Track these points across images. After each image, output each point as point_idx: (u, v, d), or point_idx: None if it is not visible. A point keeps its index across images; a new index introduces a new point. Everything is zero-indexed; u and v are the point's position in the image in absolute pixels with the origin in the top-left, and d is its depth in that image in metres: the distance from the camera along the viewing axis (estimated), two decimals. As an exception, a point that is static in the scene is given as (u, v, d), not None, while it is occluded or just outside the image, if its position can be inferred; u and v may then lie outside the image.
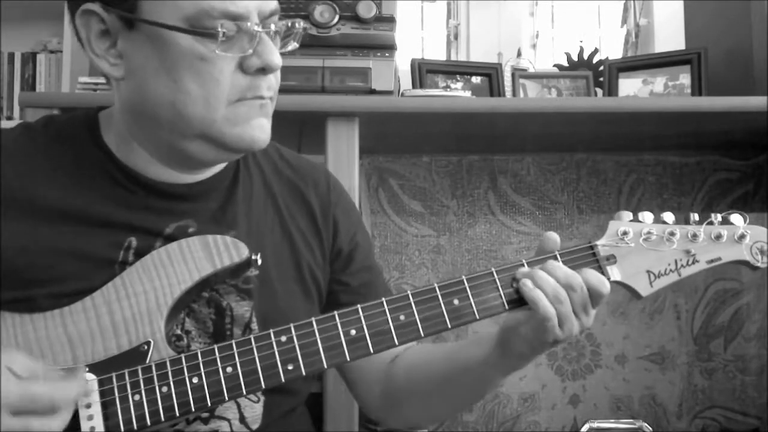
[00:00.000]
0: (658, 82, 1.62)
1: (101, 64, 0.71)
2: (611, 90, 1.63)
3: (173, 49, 0.67)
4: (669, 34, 1.95)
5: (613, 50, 2.11)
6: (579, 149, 1.77)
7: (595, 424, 1.58)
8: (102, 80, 1.37)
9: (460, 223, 1.77)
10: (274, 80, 0.73)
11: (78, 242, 0.70)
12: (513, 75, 1.69)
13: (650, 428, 1.56)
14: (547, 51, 2.18)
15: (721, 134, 1.59)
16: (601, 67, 1.71)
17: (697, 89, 1.55)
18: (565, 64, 1.83)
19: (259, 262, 0.76)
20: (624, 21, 2.04)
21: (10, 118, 1.91)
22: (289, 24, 0.74)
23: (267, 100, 0.72)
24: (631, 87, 1.63)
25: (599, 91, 1.70)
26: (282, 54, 0.73)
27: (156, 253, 0.71)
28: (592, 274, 0.71)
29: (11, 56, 1.93)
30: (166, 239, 0.73)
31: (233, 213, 0.78)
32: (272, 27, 0.71)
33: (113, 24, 0.69)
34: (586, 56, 1.81)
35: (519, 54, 1.91)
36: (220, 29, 0.66)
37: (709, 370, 1.75)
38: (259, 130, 0.72)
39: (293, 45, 0.76)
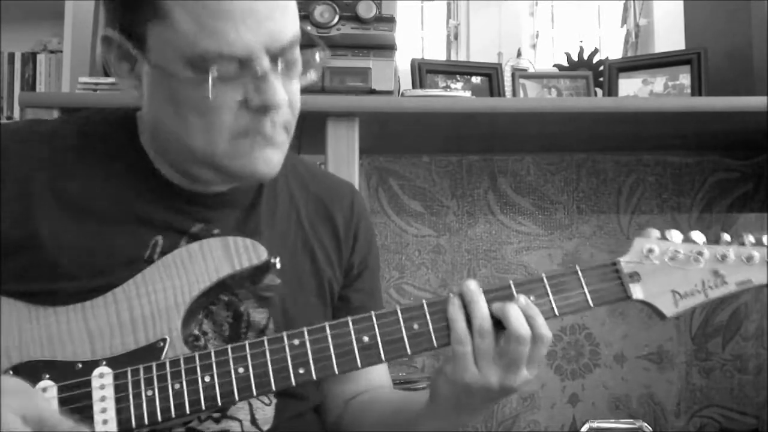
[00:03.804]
0: (658, 82, 1.62)
1: (124, 84, 0.73)
2: (611, 90, 1.63)
3: (176, 87, 0.68)
4: (669, 34, 1.94)
5: (613, 50, 2.11)
6: (579, 149, 1.77)
7: (595, 424, 1.58)
8: (102, 80, 1.36)
9: (460, 223, 1.77)
10: (286, 113, 0.71)
11: (109, 238, 0.72)
12: (513, 75, 1.69)
13: (650, 428, 1.56)
14: (547, 51, 2.18)
15: (721, 134, 1.59)
16: (601, 67, 1.71)
17: (697, 89, 1.55)
18: (565, 64, 1.82)
19: (278, 266, 0.77)
20: (624, 21, 2.04)
21: (10, 118, 1.90)
22: (309, 55, 0.73)
23: (275, 133, 0.71)
24: (631, 87, 1.63)
25: (599, 91, 1.70)
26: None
27: (177, 252, 0.72)
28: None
29: (11, 56, 1.93)
30: (191, 237, 0.74)
31: (256, 223, 0.79)
32: (280, 63, 0.68)
33: (129, 52, 0.70)
34: (586, 56, 1.81)
35: (519, 54, 1.91)
36: (210, 74, 0.65)
37: (707, 370, 1.76)
38: (263, 164, 0.71)
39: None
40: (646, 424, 1.57)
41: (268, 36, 0.66)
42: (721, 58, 1.60)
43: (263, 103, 0.68)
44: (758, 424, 1.74)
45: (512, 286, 0.71)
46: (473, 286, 0.69)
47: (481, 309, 0.68)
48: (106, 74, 1.40)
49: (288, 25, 0.69)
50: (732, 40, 1.59)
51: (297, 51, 0.71)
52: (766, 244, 0.72)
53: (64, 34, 1.79)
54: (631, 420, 1.62)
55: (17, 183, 0.71)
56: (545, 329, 0.68)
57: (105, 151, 0.76)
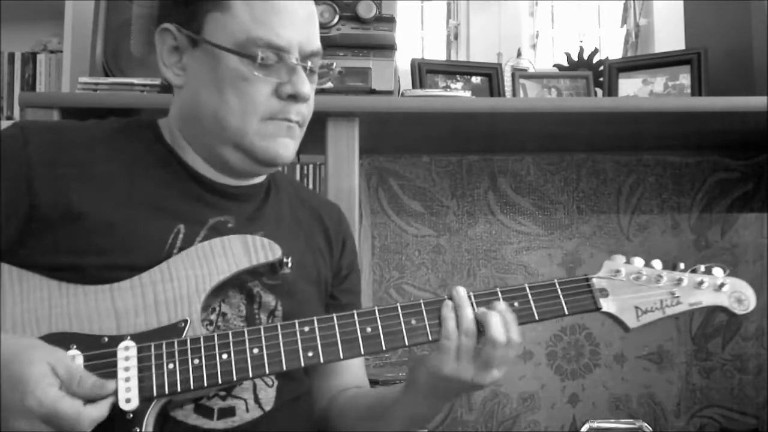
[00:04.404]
0: (658, 82, 1.62)
1: (167, 74, 0.85)
2: (611, 90, 1.63)
3: (222, 67, 0.80)
4: (669, 34, 1.94)
5: (613, 50, 2.11)
6: (579, 149, 1.77)
7: (595, 424, 1.59)
8: (102, 80, 1.37)
9: (460, 223, 1.77)
10: (305, 109, 0.84)
11: (137, 222, 0.79)
12: (513, 75, 1.69)
13: (650, 428, 1.56)
14: (547, 51, 2.17)
15: (720, 134, 1.59)
16: (601, 67, 1.71)
17: (697, 89, 1.55)
18: (565, 64, 1.82)
19: (290, 264, 0.83)
20: (624, 21, 2.04)
21: (10, 118, 1.90)
22: (327, 65, 0.88)
23: (294, 124, 0.83)
24: (631, 87, 1.63)
25: (599, 91, 1.70)
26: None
27: (200, 246, 0.80)
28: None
29: (11, 56, 1.93)
30: (209, 230, 0.82)
31: (265, 218, 0.89)
32: (309, 64, 0.83)
33: (182, 42, 0.83)
34: (586, 56, 1.81)
35: (519, 54, 1.91)
36: (260, 54, 0.79)
37: (707, 370, 1.76)
38: (284, 148, 0.83)
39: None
40: (646, 424, 1.57)
41: (304, 38, 0.82)
42: (721, 58, 1.60)
43: (293, 92, 0.81)
44: (758, 424, 1.74)
45: (499, 293, 0.80)
46: (462, 292, 0.78)
47: (468, 314, 0.77)
48: (106, 74, 1.40)
49: (316, 36, 0.85)
50: (732, 40, 1.59)
51: (319, 62, 0.85)
52: (714, 273, 0.85)
53: (64, 34, 1.79)
54: (631, 420, 1.62)
55: (58, 167, 0.78)
56: (516, 335, 0.77)
57: (135, 145, 0.85)
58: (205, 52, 0.81)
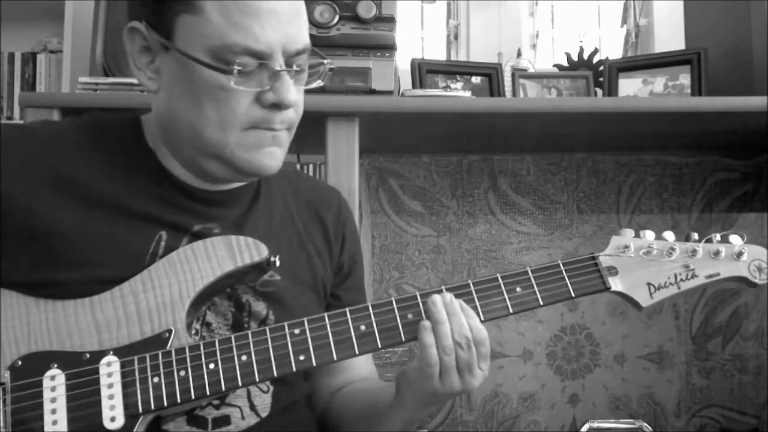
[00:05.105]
0: (658, 82, 1.62)
1: (140, 77, 0.77)
2: (611, 90, 1.63)
3: (197, 77, 0.73)
4: (669, 34, 1.95)
5: (613, 50, 2.11)
6: (579, 149, 1.77)
7: (595, 424, 1.59)
8: (102, 80, 1.37)
9: (460, 223, 1.77)
10: (291, 114, 0.77)
11: (116, 231, 0.75)
12: (513, 75, 1.69)
13: (650, 428, 1.56)
14: (547, 51, 2.18)
15: (721, 134, 1.59)
16: (601, 67, 1.71)
17: (697, 89, 1.55)
18: (565, 64, 1.83)
19: (278, 263, 0.79)
20: (624, 21, 2.05)
21: (10, 118, 1.91)
22: (316, 63, 0.79)
23: (281, 131, 0.76)
24: (631, 87, 1.63)
25: (599, 91, 1.71)
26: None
27: (182, 250, 0.76)
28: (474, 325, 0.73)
29: (11, 56, 1.93)
30: (192, 236, 0.78)
31: (254, 222, 0.83)
32: (294, 66, 0.75)
33: (153, 43, 0.75)
34: (586, 56, 1.81)
35: (519, 54, 1.91)
36: (235, 66, 0.71)
37: (707, 370, 1.76)
38: (269, 158, 0.76)
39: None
40: (646, 424, 1.57)
41: (287, 38, 0.73)
42: (721, 58, 1.60)
43: (277, 100, 0.73)
44: (758, 424, 1.74)
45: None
46: (439, 305, 0.73)
47: (447, 332, 0.72)
48: (106, 74, 1.40)
49: (302, 32, 0.76)
50: (732, 40, 1.59)
51: (306, 59, 0.77)
52: (731, 241, 0.79)
53: (64, 34, 1.79)
54: (631, 420, 1.62)
55: (29, 178, 0.74)
56: (480, 333, 0.73)
57: (113, 149, 0.79)
58: (177, 59, 0.73)
